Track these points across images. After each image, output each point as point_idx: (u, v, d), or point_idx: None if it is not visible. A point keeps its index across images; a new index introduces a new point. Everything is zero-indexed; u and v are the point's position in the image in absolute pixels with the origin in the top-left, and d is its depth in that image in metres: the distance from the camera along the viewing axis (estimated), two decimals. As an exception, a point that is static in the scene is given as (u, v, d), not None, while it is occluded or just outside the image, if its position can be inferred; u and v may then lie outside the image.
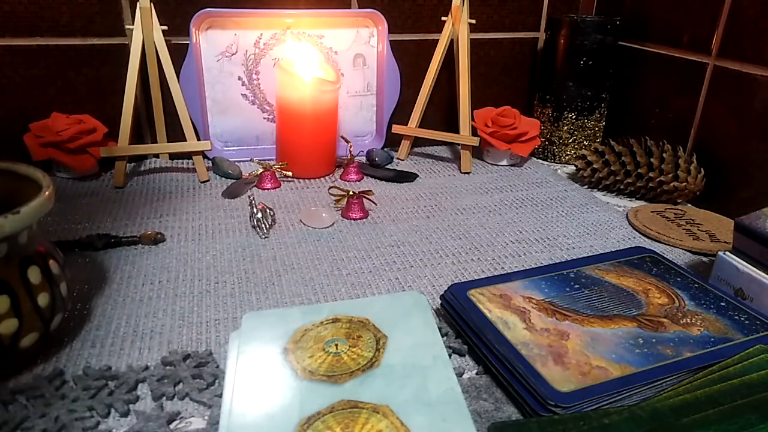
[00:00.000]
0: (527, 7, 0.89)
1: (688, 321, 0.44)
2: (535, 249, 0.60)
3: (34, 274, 0.38)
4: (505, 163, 0.85)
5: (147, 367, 0.41)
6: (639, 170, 0.72)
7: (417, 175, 0.80)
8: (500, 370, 0.40)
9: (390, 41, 0.83)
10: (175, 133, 0.77)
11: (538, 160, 0.89)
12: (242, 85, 0.81)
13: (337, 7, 0.81)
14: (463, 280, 0.50)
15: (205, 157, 0.77)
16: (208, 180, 0.76)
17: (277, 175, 0.75)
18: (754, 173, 0.67)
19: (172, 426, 0.36)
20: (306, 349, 0.38)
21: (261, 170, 0.74)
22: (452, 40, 0.82)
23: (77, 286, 0.51)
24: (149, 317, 0.47)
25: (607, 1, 0.89)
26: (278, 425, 0.32)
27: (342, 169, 0.79)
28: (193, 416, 0.37)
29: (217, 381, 0.40)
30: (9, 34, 0.72)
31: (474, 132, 0.82)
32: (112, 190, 0.72)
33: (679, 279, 0.50)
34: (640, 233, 0.65)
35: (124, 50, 0.75)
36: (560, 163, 0.88)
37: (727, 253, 0.50)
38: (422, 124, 0.84)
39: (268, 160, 0.80)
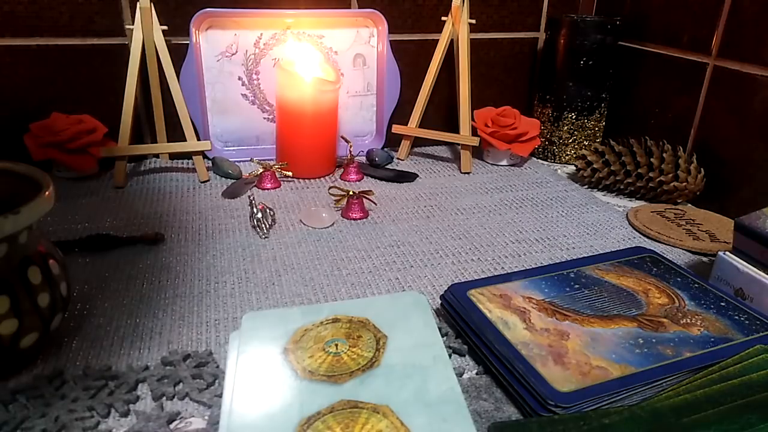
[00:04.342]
0: (527, 7, 0.89)
1: (688, 321, 0.44)
2: (535, 249, 0.60)
3: (34, 274, 0.38)
4: (505, 163, 0.85)
5: (147, 367, 0.41)
6: (639, 170, 0.72)
7: (417, 175, 0.80)
8: (500, 370, 0.40)
9: (390, 41, 0.83)
10: (175, 133, 0.77)
11: (538, 160, 0.89)
12: (242, 85, 0.81)
13: (337, 7, 0.81)
14: (463, 280, 0.50)
15: (205, 157, 0.77)
16: (208, 180, 0.76)
17: (277, 175, 0.75)
18: (754, 173, 0.67)
19: (172, 426, 0.36)
20: (306, 349, 0.38)
21: (261, 170, 0.74)
22: (452, 40, 0.82)
23: (77, 286, 0.51)
24: (149, 317, 0.47)
25: (607, 1, 0.89)
26: (278, 425, 0.32)
27: (342, 169, 0.79)
28: (193, 416, 0.37)
29: (217, 381, 0.40)
30: (9, 34, 0.72)
31: (474, 132, 0.82)
32: (112, 190, 0.72)
33: (679, 279, 0.50)
34: (640, 233, 0.65)
35: (124, 50, 0.75)
36: (560, 163, 0.88)
37: (727, 253, 0.50)
38: (422, 124, 0.84)
39: (268, 160, 0.80)
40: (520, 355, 0.40)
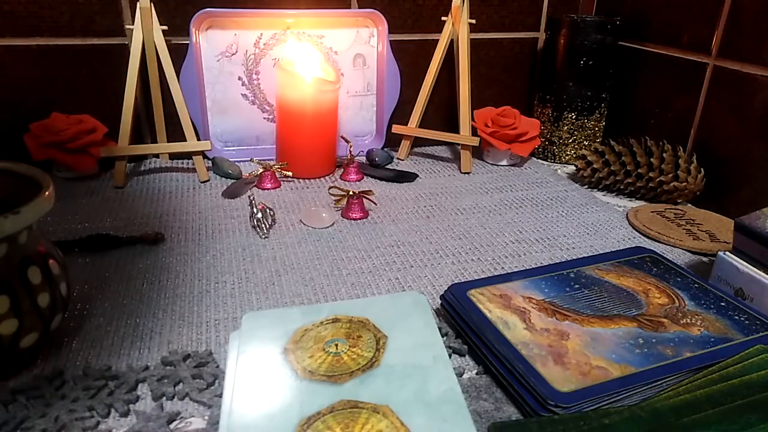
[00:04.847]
0: (527, 7, 0.89)
1: (688, 321, 0.44)
2: (535, 249, 0.60)
3: (34, 274, 0.38)
4: (505, 163, 0.85)
5: (147, 367, 0.41)
6: (639, 170, 0.72)
7: (417, 175, 0.80)
8: (500, 370, 0.40)
9: (390, 41, 0.83)
10: (175, 133, 0.77)
11: (538, 160, 0.89)
12: (242, 85, 0.81)
13: (337, 7, 0.81)
14: (463, 280, 0.50)
15: (205, 157, 0.77)
16: (208, 180, 0.76)
17: (277, 175, 0.75)
18: (754, 173, 0.67)
19: (172, 426, 0.36)
20: (306, 349, 0.38)
21: (261, 170, 0.74)
22: (452, 40, 0.82)
23: (77, 286, 0.51)
24: (149, 317, 0.47)
25: (607, 1, 0.89)
26: (278, 425, 0.32)
27: (342, 169, 0.79)
28: (193, 416, 0.37)
29: (217, 381, 0.40)
30: (9, 34, 0.72)
31: (474, 132, 0.82)
32: (112, 190, 0.72)
33: (679, 279, 0.50)
34: (640, 233, 0.65)
35: (124, 50, 0.75)
36: (560, 163, 0.88)
37: (727, 253, 0.50)
38: (422, 124, 0.84)
39: (268, 160, 0.80)
40: (520, 355, 0.40)
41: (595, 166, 0.76)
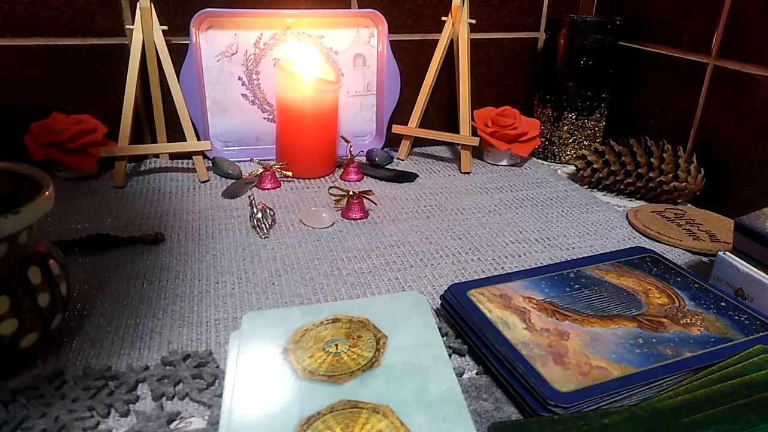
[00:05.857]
0: (527, 7, 0.89)
1: (688, 321, 0.44)
2: (535, 249, 0.60)
3: (34, 274, 0.38)
4: (505, 163, 0.85)
5: (147, 367, 0.41)
6: (639, 170, 0.72)
7: (417, 175, 0.80)
8: (500, 370, 0.40)
9: (390, 41, 0.83)
10: (175, 133, 0.77)
11: (538, 160, 0.89)
12: (242, 85, 0.81)
13: (337, 7, 0.81)
14: (463, 280, 0.50)
15: (205, 157, 0.77)
16: (208, 180, 0.76)
17: (277, 175, 0.75)
18: (754, 173, 0.67)
19: (172, 426, 0.36)
20: (306, 349, 0.38)
21: (261, 170, 0.74)
22: (452, 40, 0.82)
23: (77, 286, 0.51)
24: (149, 317, 0.47)
25: (607, 1, 0.89)
26: (278, 425, 0.32)
27: (342, 169, 0.79)
28: (193, 416, 0.37)
29: (217, 381, 0.40)
30: (9, 34, 0.72)
31: (474, 132, 0.82)
32: (112, 190, 0.72)
33: (679, 279, 0.50)
34: (640, 233, 0.65)
35: (124, 50, 0.75)
36: (560, 163, 0.88)
37: (727, 253, 0.50)
38: (422, 124, 0.84)
39: (268, 160, 0.80)
40: (520, 355, 0.40)
41: (595, 166, 0.76)
